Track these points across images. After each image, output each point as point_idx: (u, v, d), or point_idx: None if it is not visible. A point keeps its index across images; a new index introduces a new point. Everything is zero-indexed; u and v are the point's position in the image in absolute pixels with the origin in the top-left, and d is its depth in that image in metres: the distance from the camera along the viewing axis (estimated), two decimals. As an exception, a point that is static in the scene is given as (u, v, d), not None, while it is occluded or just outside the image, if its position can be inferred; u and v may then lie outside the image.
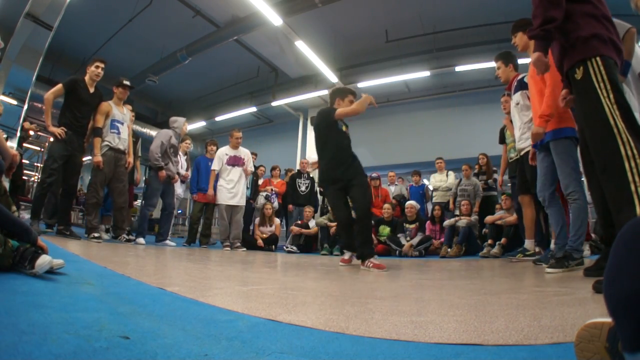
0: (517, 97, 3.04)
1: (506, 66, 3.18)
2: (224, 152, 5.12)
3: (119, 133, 4.19)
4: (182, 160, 5.27)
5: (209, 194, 5.03)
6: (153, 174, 4.67)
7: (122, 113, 4.30)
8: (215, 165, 5.05)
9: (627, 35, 2.10)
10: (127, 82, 4.30)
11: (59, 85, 3.85)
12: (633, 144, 1.47)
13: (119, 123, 4.21)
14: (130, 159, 4.40)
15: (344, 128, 3.15)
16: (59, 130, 3.74)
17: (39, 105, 8.00)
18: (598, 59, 1.59)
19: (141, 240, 4.52)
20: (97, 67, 3.97)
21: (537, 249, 3.32)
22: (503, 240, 4.43)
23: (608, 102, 1.53)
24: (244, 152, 5.23)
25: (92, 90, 3.98)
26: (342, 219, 3.08)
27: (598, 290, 1.41)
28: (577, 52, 1.65)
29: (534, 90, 2.62)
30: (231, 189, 5.02)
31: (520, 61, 3.46)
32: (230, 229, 5.09)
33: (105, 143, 4.10)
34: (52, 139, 3.93)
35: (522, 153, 3.18)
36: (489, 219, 4.78)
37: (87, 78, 3.97)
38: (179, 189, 5.51)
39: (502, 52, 3.25)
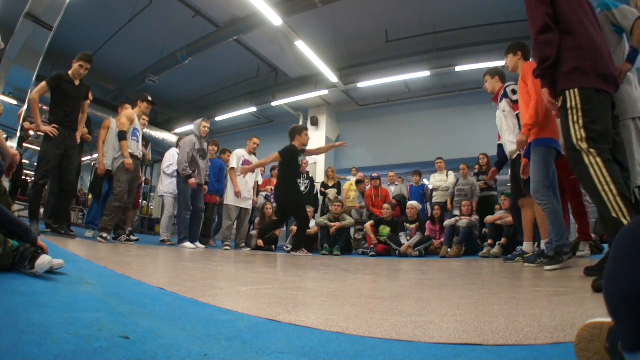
0: (503, 104, 3.30)
1: (492, 78, 3.50)
2: (241, 153, 5.24)
3: (138, 141, 4.39)
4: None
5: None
6: (182, 180, 4.74)
7: (140, 124, 4.52)
8: (233, 163, 5.15)
9: (637, 23, 2.14)
10: (150, 98, 4.58)
11: (43, 84, 3.77)
12: (595, 153, 1.69)
13: (138, 132, 4.42)
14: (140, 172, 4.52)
15: (301, 162, 4.79)
16: (50, 129, 3.69)
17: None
18: (576, 90, 1.79)
19: (188, 244, 4.59)
20: (80, 66, 3.88)
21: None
22: (503, 240, 4.43)
23: (576, 126, 1.76)
24: (256, 160, 5.38)
25: (77, 83, 3.92)
26: (281, 220, 4.88)
27: (597, 289, 1.42)
28: (559, 84, 1.86)
29: (521, 102, 2.82)
30: (242, 191, 5.13)
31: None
32: (238, 231, 5.27)
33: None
34: (42, 139, 3.88)
35: (513, 156, 3.29)
36: (489, 219, 4.78)
37: (71, 72, 3.89)
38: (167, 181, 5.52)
39: (489, 68, 3.69)
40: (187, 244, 4.59)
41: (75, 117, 3.96)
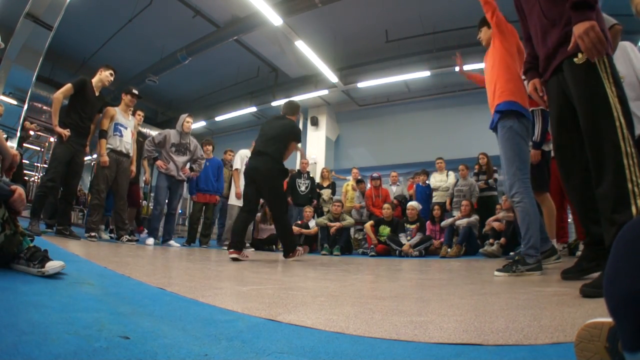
0: None
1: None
2: (245, 153, 5.20)
3: (121, 136, 4.29)
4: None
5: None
6: (157, 177, 4.71)
7: (127, 119, 4.41)
8: (237, 164, 5.14)
9: (611, 33, 1.99)
10: (136, 92, 4.44)
11: (69, 85, 3.86)
12: (631, 142, 1.43)
13: (122, 127, 4.32)
14: (133, 167, 4.45)
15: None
16: (65, 132, 3.76)
17: (39, 105, 7.97)
18: (605, 57, 1.53)
19: (150, 240, 4.58)
20: (111, 74, 4.10)
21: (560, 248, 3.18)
22: (502, 240, 4.44)
23: (611, 94, 1.48)
24: None
25: (97, 93, 4.06)
26: (253, 212, 3.55)
27: (586, 295, 1.32)
28: None
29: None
30: None
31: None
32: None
33: (108, 145, 4.18)
34: (54, 141, 3.97)
35: None
36: (490, 221, 4.80)
37: (95, 80, 4.03)
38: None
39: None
40: (149, 240, 4.55)
41: (89, 124, 4.03)
